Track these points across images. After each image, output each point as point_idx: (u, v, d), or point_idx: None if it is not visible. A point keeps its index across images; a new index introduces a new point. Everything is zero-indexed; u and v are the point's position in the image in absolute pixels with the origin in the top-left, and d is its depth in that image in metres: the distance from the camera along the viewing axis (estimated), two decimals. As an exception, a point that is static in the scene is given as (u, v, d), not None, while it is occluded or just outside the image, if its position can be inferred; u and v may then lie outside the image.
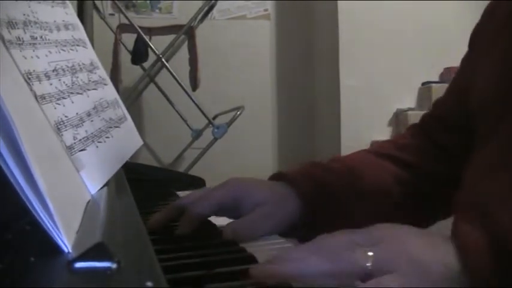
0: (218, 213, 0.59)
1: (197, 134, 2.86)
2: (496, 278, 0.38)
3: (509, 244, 0.39)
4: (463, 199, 0.53)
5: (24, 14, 0.46)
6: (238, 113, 2.47)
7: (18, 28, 0.43)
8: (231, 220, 0.58)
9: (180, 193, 0.88)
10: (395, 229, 0.42)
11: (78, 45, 0.58)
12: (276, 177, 0.65)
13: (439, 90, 2.63)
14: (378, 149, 0.73)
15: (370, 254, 0.38)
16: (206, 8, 2.67)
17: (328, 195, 0.62)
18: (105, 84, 0.63)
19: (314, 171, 0.65)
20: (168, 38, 2.57)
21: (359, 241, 0.40)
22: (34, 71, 0.42)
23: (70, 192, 0.38)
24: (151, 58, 2.53)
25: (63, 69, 0.50)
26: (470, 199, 0.51)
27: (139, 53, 2.52)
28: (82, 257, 0.29)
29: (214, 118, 2.62)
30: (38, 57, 0.45)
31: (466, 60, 0.70)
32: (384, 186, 0.66)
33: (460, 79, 0.71)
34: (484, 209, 0.45)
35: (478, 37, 0.66)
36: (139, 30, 2.47)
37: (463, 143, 0.63)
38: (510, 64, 0.54)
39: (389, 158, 0.69)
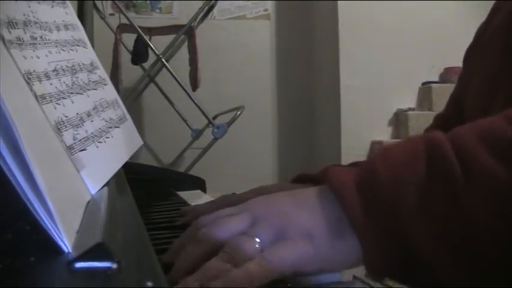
0: None
1: (197, 134, 2.86)
2: (371, 222, 0.39)
3: (376, 183, 0.39)
4: None
5: (24, 14, 0.46)
6: (239, 113, 2.47)
7: (18, 28, 0.43)
8: None
9: (180, 193, 0.88)
10: (271, 201, 0.45)
11: (78, 45, 0.58)
12: (299, 178, 0.68)
13: (439, 90, 2.63)
14: None
15: (257, 240, 0.40)
16: (206, 8, 2.67)
17: None
18: (105, 84, 0.63)
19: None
20: (168, 38, 2.57)
21: (243, 226, 0.42)
22: (34, 71, 0.42)
23: (70, 192, 0.38)
24: (152, 58, 2.53)
25: (63, 69, 0.50)
26: None
27: (139, 53, 2.52)
28: (82, 257, 0.29)
29: (214, 118, 2.62)
30: (38, 57, 0.45)
31: (461, 75, 0.76)
32: None
33: (458, 91, 0.76)
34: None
35: (470, 55, 0.72)
36: (140, 30, 2.47)
37: None
38: (503, 68, 0.57)
39: None
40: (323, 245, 0.40)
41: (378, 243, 0.39)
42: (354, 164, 0.73)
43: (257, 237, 0.40)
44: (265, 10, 3.20)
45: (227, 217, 0.44)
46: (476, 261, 0.38)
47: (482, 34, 0.69)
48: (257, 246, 0.40)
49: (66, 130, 0.43)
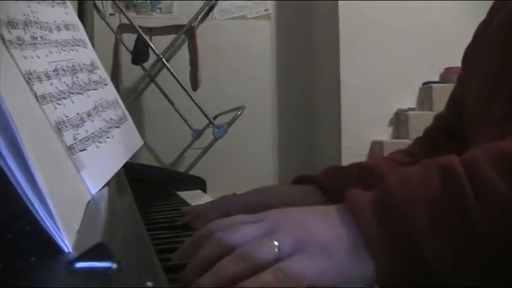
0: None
1: (198, 134, 2.86)
2: (383, 234, 0.40)
3: (391, 198, 0.41)
4: None
5: (24, 14, 0.46)
6: (239, 113, 2.47)
7: (18, 28, 0.43)
8: None
9: (180, 193, 0.88)
10: (290, 212, 0.45)
11: (78, 45, 0.58)
12: (300, 179, 0.72)
13: (439, 90, 2.63)
14: (390, 157, 0.80)
15: (276, 243, 0.40)
16: (207, 8, 2.67)
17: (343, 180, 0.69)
18: (106, 84, 0.63)
19: (332, 170, 0.74)
20: (169, 38, 2.57)
21: (261, 232, 0.42)
22: (34, 71, 0.42)
23: (70, 192, 0.38)
24: (152, 58, 2.53)
25: (63, 69, 0.50)
26: None
27: (139, 53, 2.52)
28: (82, 257, 0.29)
29: (214, 118, 2.62)
30: (39, 57, 0.45)
31: (460, 75, 0.77)
32: None
33: (457, 91, 0.76)
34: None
35: (470, 55, 0.73)
36: (140, 30, 2.47)
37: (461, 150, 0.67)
38: (503, 68, 0.57)
39: (400, 165, 0.75)
40: (340, 260, 0.41)
41: (389, 256, 0.40)
42: (355, 165, 0.74)
43: (275, 241, 0.41)
44: (266, 10, 3.20)
45: (245, 224, 0.44)
46: (483, 271, 0.40)
47: (482, 34, 0.69)
48: (276, 251, 0.40)
49: (66, 130, 0.44)
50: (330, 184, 0.69)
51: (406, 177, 0.43)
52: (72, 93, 0.49)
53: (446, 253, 0.39)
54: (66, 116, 0.45)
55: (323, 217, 0.44)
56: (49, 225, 0.31)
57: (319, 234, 0.42)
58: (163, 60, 2.47)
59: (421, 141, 0.82)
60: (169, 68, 2.48)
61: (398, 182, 0.43)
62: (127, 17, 2.50)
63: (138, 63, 2.61)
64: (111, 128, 0.58)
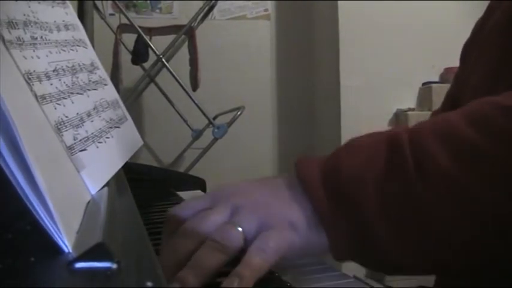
0: None
1: (197, 134, 2.86)
2: (334, 211, 0.42)
3: (340, 175, 0.43)
4: None
5: (24, 14, 0.46)
6: (239, 113, 2.47)
7: (18, 28, 0.43)
8: None
9: (180, 193, 0.88)
10: (244, 190, 0.46)
11: (78, 46, 0.58)
12: None
13: (439, 91, 2.63)
14: None
15: (240, 229, 0.41)
16: (206, 8, 2.67)
17: None
18: (106, 85, 0.63)
19: None
20: (169, 38, 2.57)
21: (223, 218, 0.43)
22: (34, 71, 0.42)
23: (70, 193, 0.38)
24: (152, 58, 2.53)
25: (63, 70, 0.50)
26: None
27: (139, 53, 2.52)
28: (82, 257, 0.29)
29: (214, 118, 2.62)
30: (38, 58, 0.45)
31: (458, 73, 0.77)
32: None
33: (454, 89, 0.77)
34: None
35: (468, 51, 0.72)
36: (140, 30, 2.47)
37: None
38: (504, 60, 0.57)
39: None
40: (303, 233, 0.42)
41: (342, 235, 0.42)
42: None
43: (240, 226, 0.41)
44: (266, 10, 3.20)
45: (207, 211, 0.44)
46: (433, 253, 0.41)
47: (480, 30, 0.69)
48: (243, 235, 0.41)
49: (66, 130, 0.44)
50: None
51: (355, 149, 0.45)
52: (72, 93, 0.49)
53: (392, 227, 0.40)
54: (66, 116, 0.45)
55: (278, 193, 0.45)
56: (49, 226, 0.31)
57: (282, 211, 0.43)
58: (163, 60, 2.47)
59: None
60: (169, 68, 2.48)
61: (348, 156, 0.44)
62: (127, 17, 2.50)
63: (138, 63, 2.61)
64: (111, 128, 0.58)
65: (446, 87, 0.81)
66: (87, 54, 0.60)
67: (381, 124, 2.79)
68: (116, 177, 0.52)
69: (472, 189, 0.38)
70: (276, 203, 0.44)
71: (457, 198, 0.39)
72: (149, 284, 0.27)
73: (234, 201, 0.44)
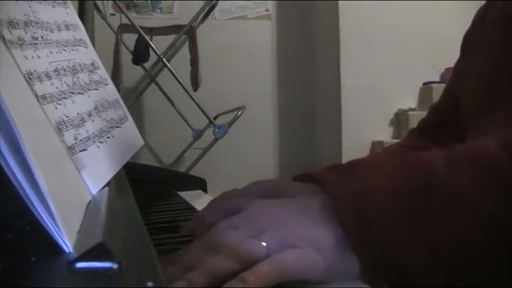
0: None
1: (198, 134, 2.86)
2: (365, 237, 0.40)
3: (373, 203, 0.41)
4: None
5: (25, 14, 0.46)
6: (239, 113, 2.47)
7: (19, 28, 0.43)
8: None
9: (181, 193, 0.88)
10: (274, 209, 0.45)
11: (79, 45, 0.58)
12: (301, 177, 0.68)
13: (439, 91, 2.62)
14: (388, 150, 0.79)
15: (264, 244, 0.41)
16: (207, 8, 2.67)
17: None
18: (106, 84, 0.63)
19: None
20: (169, 38, 2.57)
21: (249, 232, 0.42)
22: (35, 71, 0.42)
23: (71, 192, 0.38)
24: (152, 58, 2.53)
25: (64, 69, 0.50)
26: None
27: (140, 53, 2.52)
28: (83, 257, 0.29)
29: (215, 118, 2.62)
30: (39, 57, 0.45)
31: (458, 64, 0.74)
32: None
33: (453, 83, 0.75)
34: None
35: (469, 42, 0.71)
36: (141, 30, 2.47)
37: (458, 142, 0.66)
38: (504, 59, 0.57)
39: (398, 157, 0.72)
40: (328, 255, 0.41)
41: (374, 263, 0.41)
42: (353, 164, 0.73)
43: (264, 242, 0.41)
44: (266, 10, 3.20)
45: (234, 230, 0.44)
46: (457, 272, 0.40)
47: (480, 23, 0.68)
48: (264, 249, 0.40)
49: (67, 130, 0.43)
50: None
51: (385, 172, 0.44)
52: (72, 93, 0.49)
53: (427, 256, 0.39)
54: (67, 116, 0.45)
55: (307, 213, 0.44)
56: (49, 225, 0.31)
57: (307, 231, 0.42)
58: (164, 60, 2.47)
59: (418, 134, 0.80)
60: (170, 68, 2.48)
61: (379, 180, 0.43)
62: (127, 17, 2.50)
63: (138, 63, 2.61)
64: (111, 128, 0.58)
65: (446, 87, 0.81)
66: (87, 54, 0.60)
67: (382, 124, 2.79)
68: (117, 177, 0.52)
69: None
70: (304, 224, 0.43)
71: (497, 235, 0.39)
72: (150, 284, 0.27)
73: (261, 218, 0.44)
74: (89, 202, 0.41)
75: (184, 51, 2.74)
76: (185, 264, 0.41)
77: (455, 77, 0.74)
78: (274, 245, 0.41)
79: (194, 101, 2.48)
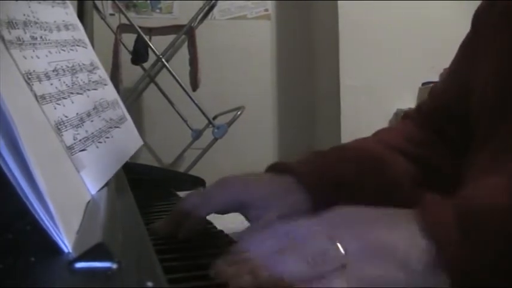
0: (220, 213, 0.60)
1: (197, 134, 2.86)
2: (466, 251, 0.37)
3: (476, 215, 0.38)
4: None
5: (24, 14, 0.46)
6: (239, 113, 2.47)
7: (18, 28, 0.43)
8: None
9: (180, 193, 0.88)
10: (357, 215, 0.42)
11: (78, 46, 0.58)
12: (277, 168, 0.65)
13: (439, 90, 2.63)
14: (386, 140, 0.73)
15: (342, 251, 0.37)
16: (206, 8, 2.67)
17: (337, 187, 0.61)
18: (105, 85, 0.63)
19: (321, 162, 0.67)
20: (169, 38, 2.57)
21: (326, 233, 0.39)
22: (34, 71, 0.42)
23: (70, 193, 0.38)
24: (152, 58, 2.53)
25: (63, 70, 0.50)
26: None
27: (139, 53, 2.52)
28: (82, 257, 0.29)
29: (214, 118, 2.62)
30: (38, 58, 0.45)
31: (467, 44, 0.67)
32: (395, 179, 0.66)
33: (461, 63, 0.68)
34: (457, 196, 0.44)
35: (481, 19, 0.63)
36: (140, 30, 2.47)
37: (465, 133, 0.62)
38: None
39: (399, 152, 0.69)
40: (415, 275, 0.38)
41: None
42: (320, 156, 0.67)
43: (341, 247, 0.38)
44: (266, 10, 3.20)
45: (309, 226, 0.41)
46: None
47: (494, 2, 0.60)
48: (343, 254, 0.37)
49: (66, 130, 0.43)
50: (309, 175, 0.63)
51: (493, 200, 0.39)
52: (71, 93, 0.49)
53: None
54: (66, 116, 0.45)
55: (401, 229, 0.40)
56: (49, 226, 0.31)
57: (395, 244, 0.38)
58: (163, 60, 2.47)
59: (419, 125, 0.74)
60: (169, 68, 2.48)
61: (485, 206, 0.39)
62: (127, 17, 2.50)
63: (137, 64, 2.61)
64: (110, 128, 0.58)
65: (446, 87, 0.78)
66: (87, 54, 0.60)
67: (381, 124, 2.79)
68: (116, 177, 0.52)
69: None
70: (391, 236, 0.39)
71: None
72: (149, 283, 0.27)
73: (341, 221, 0.41)
74: (88, 202, 0.41)
75: (184, 51, 2.74)
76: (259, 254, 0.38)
77: (464, 57, 0.67)
78: (352, 254, 0.38)
79: (193, 101, 2.47)
